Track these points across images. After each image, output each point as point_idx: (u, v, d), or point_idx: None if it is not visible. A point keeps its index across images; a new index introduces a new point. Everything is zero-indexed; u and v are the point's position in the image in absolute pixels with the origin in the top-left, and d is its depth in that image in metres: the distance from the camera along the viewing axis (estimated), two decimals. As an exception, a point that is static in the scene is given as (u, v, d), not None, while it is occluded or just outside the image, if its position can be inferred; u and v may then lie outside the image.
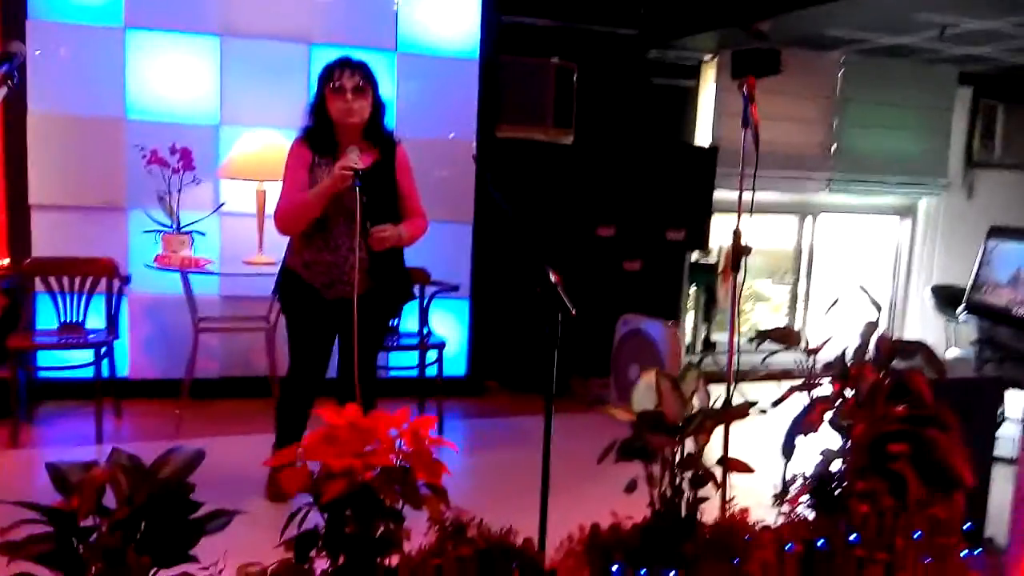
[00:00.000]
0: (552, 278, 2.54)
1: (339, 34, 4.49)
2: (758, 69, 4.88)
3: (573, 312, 2.52)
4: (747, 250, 2.82)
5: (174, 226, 4.05)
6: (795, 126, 6.24)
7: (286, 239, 3.12)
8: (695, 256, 5.64)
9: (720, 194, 5.48)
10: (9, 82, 2.06)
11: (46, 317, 4.11)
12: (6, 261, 4.17)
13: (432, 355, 4.27)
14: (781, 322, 6.78)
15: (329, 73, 2.94)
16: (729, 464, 2.47)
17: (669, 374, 2.45)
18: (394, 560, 2.07)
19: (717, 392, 2.55)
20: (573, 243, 5.05)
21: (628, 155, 5.19)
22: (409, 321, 4.40)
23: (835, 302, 2.73)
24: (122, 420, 4.14)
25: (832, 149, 6.29)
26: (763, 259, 6.77)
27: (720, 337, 5.85)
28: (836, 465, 2.56)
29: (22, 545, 1.76)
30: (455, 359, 4.89)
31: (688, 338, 5.73)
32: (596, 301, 4.94)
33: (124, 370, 4.40)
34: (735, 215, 2.93)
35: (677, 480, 2.40)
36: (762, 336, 2.68)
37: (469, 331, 4.92)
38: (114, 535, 1.82)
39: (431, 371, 4.37)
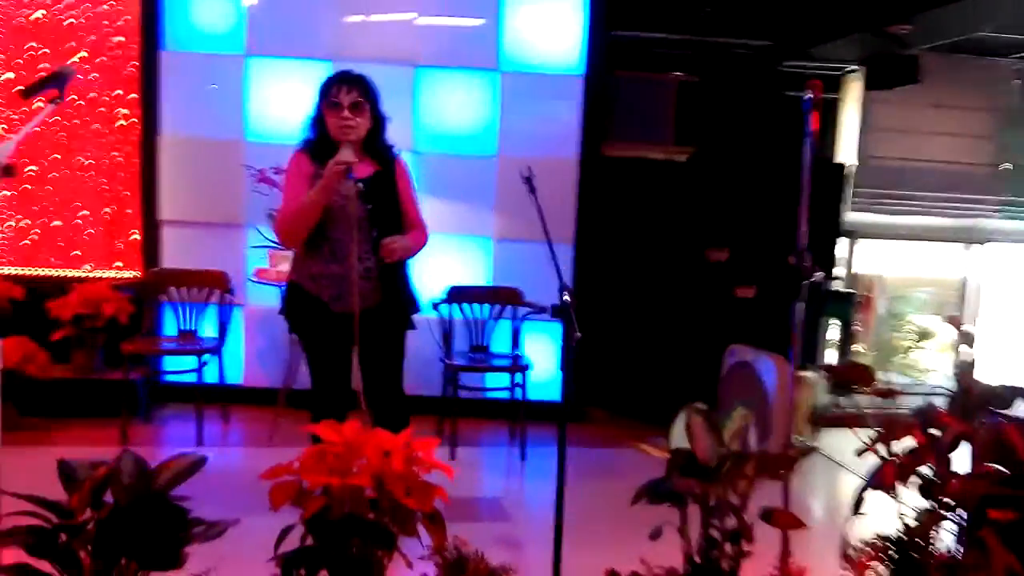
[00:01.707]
0: (567, 298, 2.35)
1: (443, 56, 4.55)
2: (893, 78, 4.43)
3: (578, 334, 2.32)
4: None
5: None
6: (958, 142, 5.59)
7: None
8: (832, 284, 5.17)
9: (862, 217, 4.99)
10: (56, 101, 2.23)
11: (172, 325, 4.44)
12: (131, 274, 4.57)
13: (502, 378, 4.17)
14: (946, 364, 6.05)
15: (327, 88, 2.90)
16: (776, 517, 2.17)
17: (703, 409, 2.21)
18: (381, 584, 1.98)
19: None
20: (681, 267, 4.77)
21: (748, 173, 4.84)
22: (501, 342, 4.35)
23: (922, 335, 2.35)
24: (229, 425, 4.38)
25: (1003, 168, 5.56)
26: (927, 291, 6.09)
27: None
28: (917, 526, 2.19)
29: (13, 534, 1.86)
30: (552, 384, 4.75)
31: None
32: (703, 329, 4.63)
33: (238, 378, 4.66)
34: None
35: (710, 530, 2.15)
36: (831, 373, 2.36)
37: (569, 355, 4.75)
38: (100, 533, 1.88)
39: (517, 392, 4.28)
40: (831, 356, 5.42)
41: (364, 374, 3.01)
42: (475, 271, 4.63)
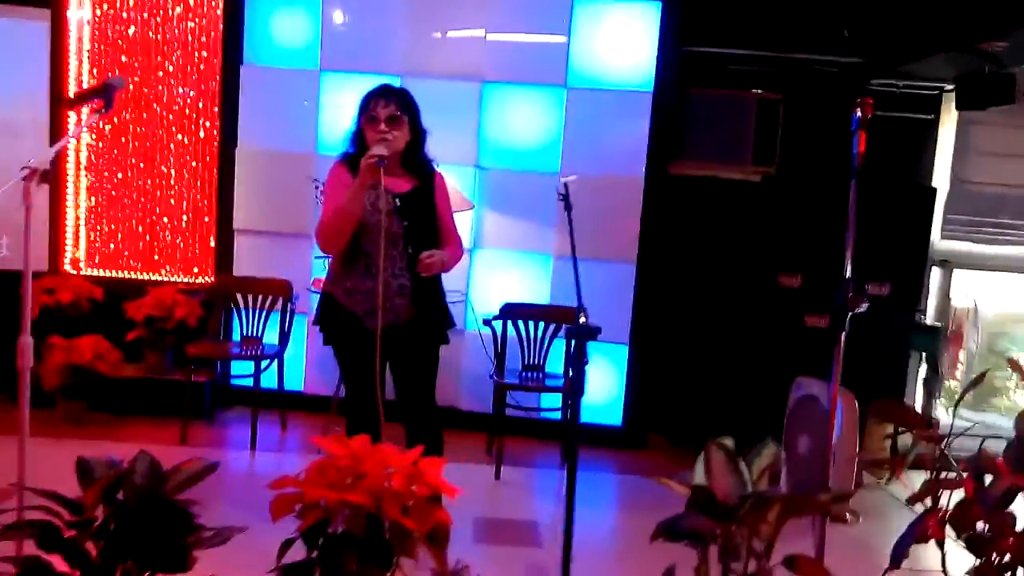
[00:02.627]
0: (583, 319, 2.26)
1: (510, 71, 4.54)
2: (987, 97, 4.12)
3: (587, 361, 2.22)
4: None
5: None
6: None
7: None
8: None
9: (956, 245, 4.67)
10: (102, 111, 2.32)
11: (238, 330, 4.58)
12: (206, 279, 4.74)
13: (555, 399, 4.07)
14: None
15: (366, 103, 2.90)
16: (799, 564, 2.01)
17: (725, 444, 2.08)
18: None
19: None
20: (750, 292, 4.57)
21: (828, 195, 4.60)
22: (558, 362, 4.28)
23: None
24: (286, 431, 4.46)
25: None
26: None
27: (946, 415, 4.93)
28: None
29: (21, 527, 1.92)
30: (609, 408, 4.63)
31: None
32: (771, 358, 4.41)
33: (299, 384, 4.75)
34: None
35: (728, 574, 2.01)
36: (875, 411, 2.17)
37: (627, 379, 4.63)
38: (108, 531, 1.92)
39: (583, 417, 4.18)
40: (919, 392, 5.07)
41: (396, 388, 3.00)
42: (534, 288, 4.58)
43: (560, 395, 4.17)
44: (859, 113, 2.22)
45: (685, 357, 4.75)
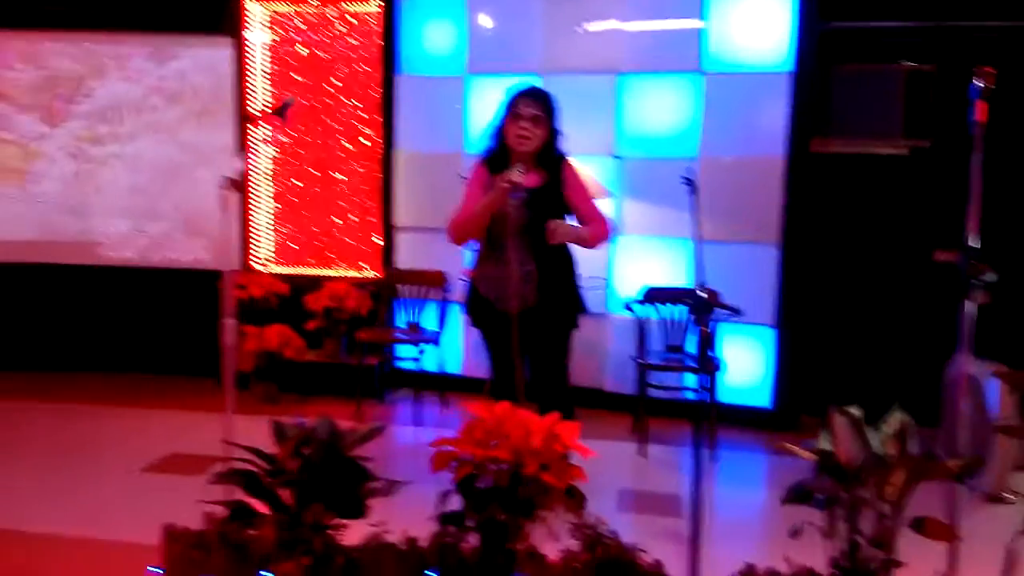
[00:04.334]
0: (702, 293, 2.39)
1: (645, 61, 4.67)
2: None
3: (708, 329, 2.33)
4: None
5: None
6: None
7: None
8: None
9: None
10: (282, 126, 2.72)
11: (402, 318, 5.03)
12: (373, 274, 5.22)
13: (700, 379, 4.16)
14: None
15: (512, 101, 3.14)
16: (927, 526, 2.07)
17: (848, 411, 2.16)
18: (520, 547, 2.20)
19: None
20: (904, 269, 4.45)
21: (985, 168, 4.39)
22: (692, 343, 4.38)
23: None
24: (447, 409, 4.85)
25: None
26: None
27: None
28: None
29: (229, 475, 2.33)
30: (758, 390, 4.67)
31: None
32: (928, 337, 4.29)
33: (458, 367, 5.13)
34: None
35: (854, 535, 2.10)
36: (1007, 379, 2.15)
37: (777, 361, 4.64)
38: (293, 480, 2.29)
39: (722, 397, 4.30)
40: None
41: (530, 369, 3.26)
42: (676, 272, 4.69)
43: (698, 375, 4.26)
44: (979, 82, 2.21)
45: (837, 338, 4.69)
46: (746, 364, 4.65)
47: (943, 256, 4.44)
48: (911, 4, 4.72)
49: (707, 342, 2.45)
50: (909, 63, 4.84)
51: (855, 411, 2.17)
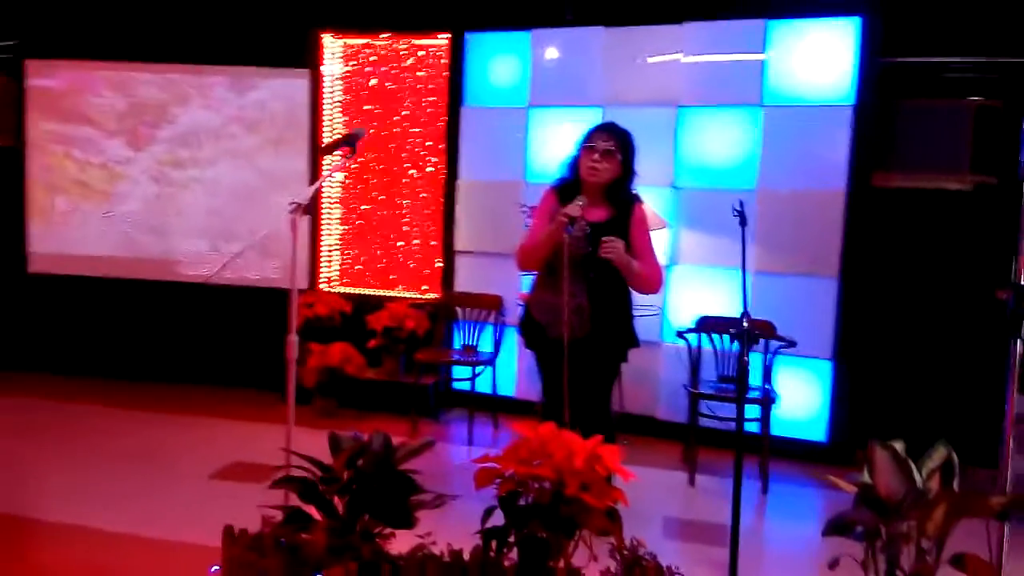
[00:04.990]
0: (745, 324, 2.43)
1: (705, 94, 4.73)
2: None
3: (745, 359, 2.37)
4: None
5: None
6: None
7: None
8: None
9: None
10: (349, 156, 2.88)
11: (459, 339, 5.16)
12: (433, 295, 5.37)
13: (753, 411, 4.15)
14: None
15: (589, 134, 3.23)
16: (967, 563, 2.07)
17: (890, 444, 2.18)
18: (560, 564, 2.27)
19: None
20: (965, 306, 4.37)
21: (1055, 204, 4.30)
22: (754, 375, 4.37)
23: None
24: (498, 430, 4.94)
25: None
26: None
27: None
28: None
29: (286, 481, 2.47)
30: (813, 424, 4.62)
31: None
32: (987, 376, 4.19)
33: (511, 390, 5.22)
34: None
35: (893, 569, 2.11)
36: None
37: (832, 394, 4.59)
38: (345, 489, 2.41)
39: (774, 429, 4.28)
40: None
41: (572, 396, 3.31)
42: (731, 302, 4.69)
43: (755, 407, 4.25)
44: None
45: (894, 372, 4.62)
46: (802, 397, 4.62)
47: (1004, 294, 4.35)
48: (977, 39, 4.67)
49: (745, 372, 2.48)
50: (976, 98, 4.78)
51: (897, 445, 2.18)
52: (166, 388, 5.63)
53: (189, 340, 5.81)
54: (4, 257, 5.93)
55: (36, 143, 5.87)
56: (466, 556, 2.38)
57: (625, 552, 2.36)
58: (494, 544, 2.32)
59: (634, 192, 3.34)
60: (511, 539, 2.31)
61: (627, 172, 3.27)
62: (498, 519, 2.31)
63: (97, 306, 5.91)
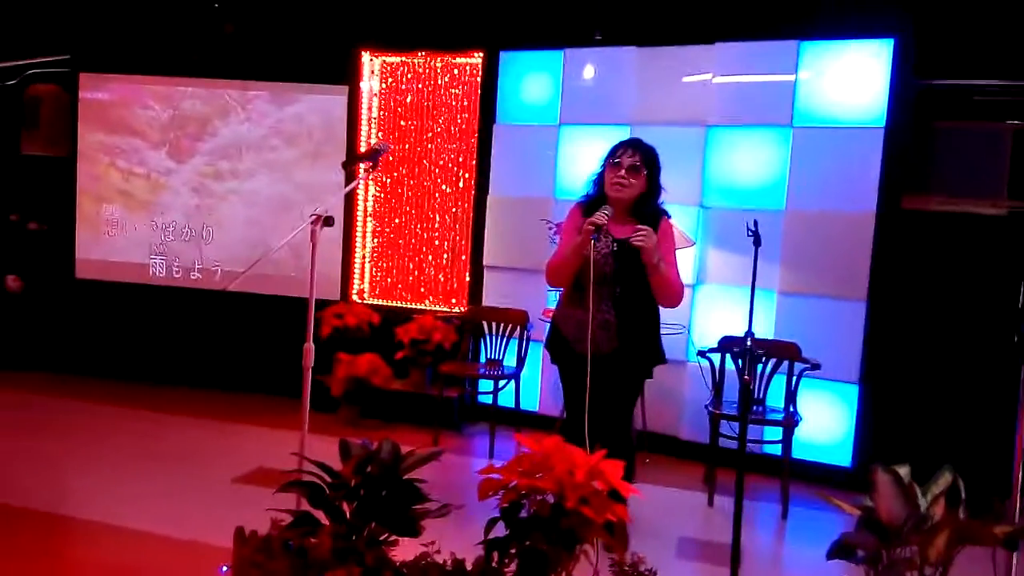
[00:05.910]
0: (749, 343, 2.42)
1: (735, 114, 4.72)
2: None
3: (747, 377, 2.35)
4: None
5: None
6: None
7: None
8: None
9: None
10: (371, 170, 2.96)
11: (484, 353, 5.20)
12: (461, 309, 5.43)
13: (775, 433, 4.11)
14: None
15: (614, 149, 3.24)
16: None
17: (892, 469, 2.15)
18: None
19: None
20: (995, 331, 4.27)
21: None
22: (778, 397, 4.33)
23: None
24: (520, 445, 4.94)
25: None
26: None
27: None
28: None
29: (294, 484, 2.53)
30: (837, 448, 4.55)
31: None
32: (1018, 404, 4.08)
33: (534, 405, 5.24)
34: None
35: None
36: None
37: (858, 418, 4.52)
38: (352, 495, 2.46)
39: (798, 452, 4.23)
40: None
41: (594, 411, 3.30)
42: (758, 323, 4.65)
43: (776, 429, 4.20)
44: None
45: (923, 398, 4.53)
46: (827, 420, 4.55)
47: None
48: (1014, 62, 4.59)
49: (748, 393, 2.47)
50: (1015, 122, 4.70)
51: (902, 469, 2.15)
52: (201, 393, 5.78)
53: (224, 347, 5.96)
54: (57, 263, 6.17)
55: (86, 153, 6.10)
56: (468, 566, 2.41)
57: (626, 568, 2.36)
58: (496, 555, 2.35)
59: (662, 207, 3.33)
60: (512, 551, 2.33)
61: (653, 187, 3.27)
62: (502, 530, 2.33)
63: (137, 312, 6.10)
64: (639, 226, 3.10)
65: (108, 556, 3.19)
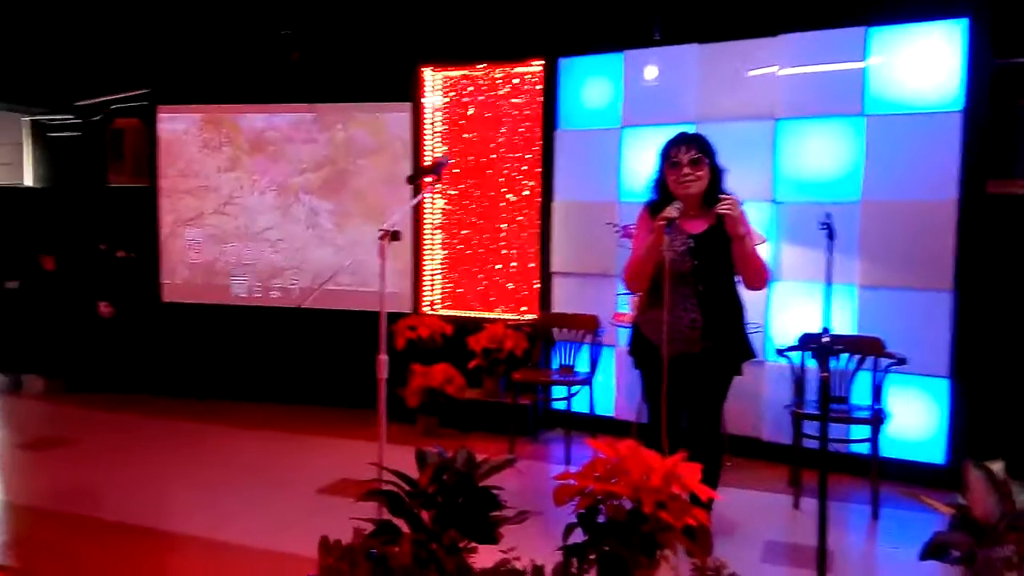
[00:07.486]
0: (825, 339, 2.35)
1: (803, 106, 4.61)
2: None
3: (825, 374, 2.28)
4: None
5: (636, 290, 4.71)
6: None
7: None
8: None
9: None
10: (435, 184, 3.00)
11: (557, 360, 5.20)
12: (531, 316, 5.44)
13: (862, 431, 3.97)
14: None
15: (667, 151, 3.19)
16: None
17: (985, 466, 2.06)
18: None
19: None
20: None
21: None
22: (864, 394, 4.20)
23: None
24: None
25: None
26: None
27: None
28: None
29: (373, 493, 2.57)
30: (929, 445, 4.37)
31: None
32: None
33: (610, 409, 5.20)
34: None
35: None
36: None
37: (951, 414, 4.33)
38: (430, 503, 2.49)
39: (887, 451, 4.08)
40: None
41: (687, 413, 3.25)
42: (839, 319, 4.52)
43: (864, 427, 4.06)
44: None
45: (1019, 391, 4.31)
46: (918, 417, 4.38)
47: None
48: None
49: (827, 390, 2.40)
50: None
51: (995, 465, 2.06)
52: (282, 408, 5.95)
53: (303, 362, 6.12)
54: (144, 288, 6.46)
55: (166, 182, 6.38)
56: (548, 572, 2.41)
57: (708, 573, 2.32)
58: (575, 561, 2.34)
59: (731, 193, 3.23)
60: (591, 556, 2.32)
61: (717, 174, 3.22)
62: (581, 536, 2.33)
63: (220, 331, 6.32)
64: (723, 196, 3.06)
65: (202, 568, 3.32)
